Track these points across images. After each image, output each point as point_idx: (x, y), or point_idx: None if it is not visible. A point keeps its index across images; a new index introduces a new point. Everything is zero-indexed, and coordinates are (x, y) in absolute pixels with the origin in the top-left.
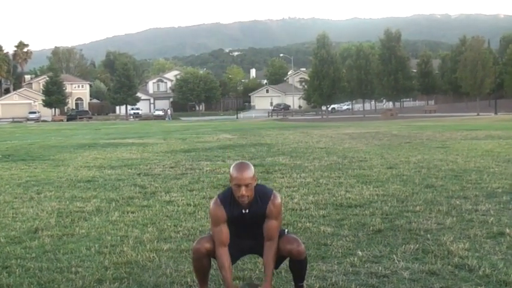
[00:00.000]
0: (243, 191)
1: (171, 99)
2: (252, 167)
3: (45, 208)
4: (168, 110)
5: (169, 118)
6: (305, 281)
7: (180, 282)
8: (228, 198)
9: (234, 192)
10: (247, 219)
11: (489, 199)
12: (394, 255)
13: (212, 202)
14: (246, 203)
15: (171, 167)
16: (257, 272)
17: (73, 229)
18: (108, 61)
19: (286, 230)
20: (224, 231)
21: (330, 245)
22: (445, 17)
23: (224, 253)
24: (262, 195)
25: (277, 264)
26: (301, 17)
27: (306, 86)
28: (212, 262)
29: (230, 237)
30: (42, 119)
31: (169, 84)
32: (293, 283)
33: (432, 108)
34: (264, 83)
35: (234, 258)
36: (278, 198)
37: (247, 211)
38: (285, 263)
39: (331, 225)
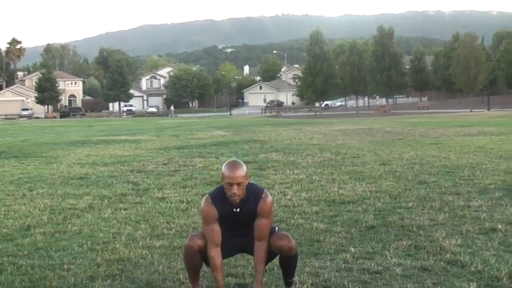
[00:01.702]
0: (235, 189)
1: (164, 96)
2: (244, 166)
3: (37, 205)
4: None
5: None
6: (298, 277)
7: (172, 279)
8: (219, 197)
9: (225, 191)
10: (238, 218)
11: (481, 195)
12: (386, 252)
13: (203, 201)
14: (238, 201)
15: (164, 164)
16: (250, 268)
17: (65, 226)
18: (102, 58)
19: (276, 228)
20: (216, 230)
21: (323, 242)
22: (438, 14)
23: (216, 254)
24: (253, 194)
25: (267, 261)
26: (295, 13)
27: (299, 83)
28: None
29: (221, 236)
30: (35, 116)
31: (162, 81)
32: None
33: (425, 105)
34: (258, 79)
35: (224, 255)
36: (269, 197)
37: (238, 210)
38: (276, 259)
39: (324, 221)
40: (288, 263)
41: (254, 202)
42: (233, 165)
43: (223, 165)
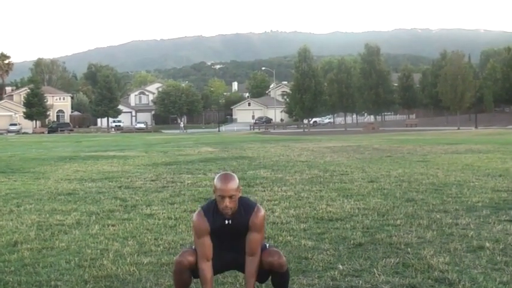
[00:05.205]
0: (227, 202)
1: (153, 112)
2: (237, 178)
3: (24, 221)
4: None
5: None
6: None
7: None
8: (211, 210)
9: (217, 204)
10: (229, 230)
11: (469, 213)
12: (374, 269)
13: (195, 214)
14: (230, 214)
15: (152, 180)
16: (238, 286)
17: (53, 242)
18: (90, 73)
19: (267, 244)
20: (207, 244)
21: (311, 259)
22: (426, 32)
23: (207, 267)
24: (245, 207)
25: (262, 279)
26: (283, 30)
27: (287, 99)
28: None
29: (213, 250)
30: (23, 131)
31: (151, 96)
32: None
33: (413, 122)
34: (246, 96)
35: (215, 271)
36: (262, 211)
37: (230, 222)
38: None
39: (312, 238)
40: (280, 280)
41: (246, 215)
42: (225, 178)
43: (216, 177)
